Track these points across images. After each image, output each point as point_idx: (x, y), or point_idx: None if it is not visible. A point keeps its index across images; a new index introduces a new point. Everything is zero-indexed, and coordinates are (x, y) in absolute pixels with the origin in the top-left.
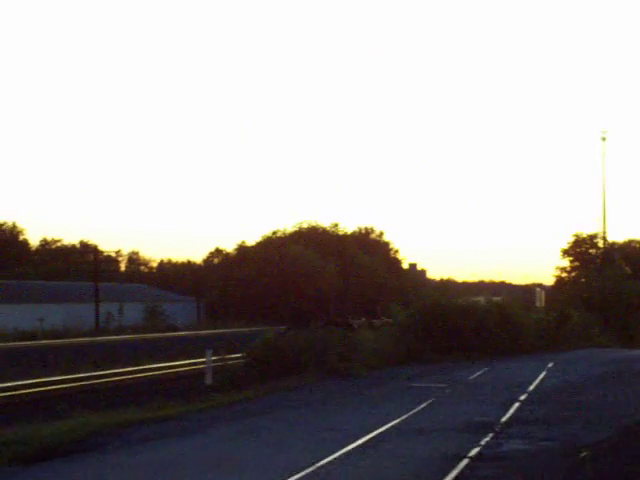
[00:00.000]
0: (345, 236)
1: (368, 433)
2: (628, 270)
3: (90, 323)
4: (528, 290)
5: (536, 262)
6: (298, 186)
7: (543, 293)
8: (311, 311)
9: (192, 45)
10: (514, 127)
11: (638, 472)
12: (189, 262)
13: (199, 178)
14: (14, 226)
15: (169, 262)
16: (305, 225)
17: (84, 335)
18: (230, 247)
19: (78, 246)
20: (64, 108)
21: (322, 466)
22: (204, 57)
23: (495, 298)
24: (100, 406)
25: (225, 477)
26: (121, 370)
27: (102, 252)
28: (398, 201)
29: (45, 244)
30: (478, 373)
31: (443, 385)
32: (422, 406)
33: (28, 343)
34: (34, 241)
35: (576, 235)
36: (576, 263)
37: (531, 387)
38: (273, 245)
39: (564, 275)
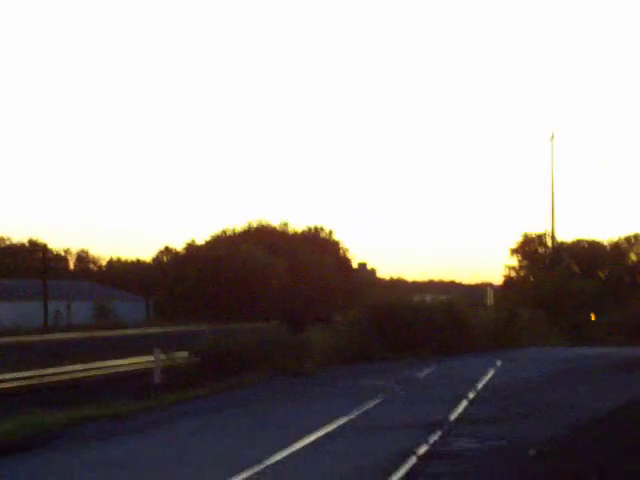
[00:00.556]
0: (295, 235)
1: (317, 431)
2: (576, 269)
3: (38, 321)
4: (478, 289)
5: (485, 261)
6: (247, 185)
7: (492, 292)
8: (299, 308)
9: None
10: (462, 125)
11: (586, 471)
12: (138, 260)
13: (148, 176)
14: None
15: (118, 260)
16: (254, 224)
17: (33, 333)
18: (179, 246)
19: (26, 244)
20: (16, 102)
21: (271, 464)
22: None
23: (444, 297)
24: (50, 404)
25: (175, 475)
26: (70, 368)
27: (51, 250)
28: (347, 200)
29: None
30: (427, 371)
31: (392, 383)
32: (371, 404)
33: None
34: None
35: (525, 234)
36: (525, 262)
37: (480, 385)
38: (222, 244)
39: (513, 274)
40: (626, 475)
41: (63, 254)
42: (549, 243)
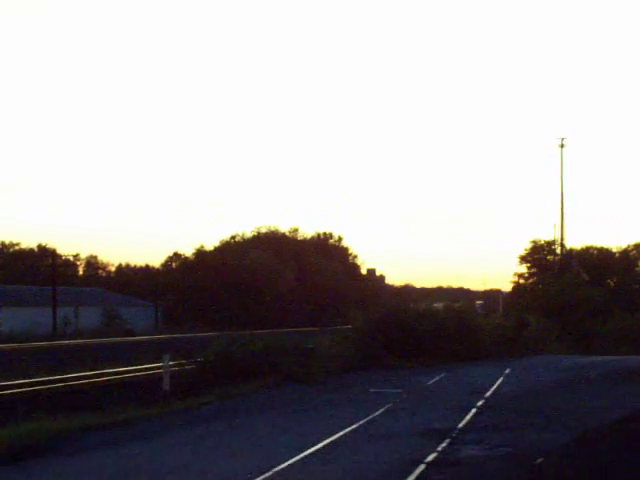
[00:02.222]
0: (304, 241)
1: (325, 438)
2: (585, 276)
3: (47, 327)
4: (487, 296)
5: (494, 268)
6: (257, 191)
7: (501, 299)
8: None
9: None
10: (472, 133)
11: (593, 478)
12: (147, 266)
13: (157, 183)
14: None
15: (127, 266)
16: (264, 230)
17: (42, 339)
18: (188, 252)
19: (36, 250)
20: (18, 107)
21: (278, 472)
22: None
23: (454, 304)
24: (58, 410)
25: None
26: (78, 374)
27: (60, 256)
28: (357, 207)
29: (3, 248)
30: (436, 379)
31: (401, 391)
32: (379, 412)
33: None
34: None
35: (534, 241)
36: (534, 269)
37: (488, 393)
38: (231, 250)
39: (522, 282)
40: None
41: (72, 260)
42: (558, 250)
